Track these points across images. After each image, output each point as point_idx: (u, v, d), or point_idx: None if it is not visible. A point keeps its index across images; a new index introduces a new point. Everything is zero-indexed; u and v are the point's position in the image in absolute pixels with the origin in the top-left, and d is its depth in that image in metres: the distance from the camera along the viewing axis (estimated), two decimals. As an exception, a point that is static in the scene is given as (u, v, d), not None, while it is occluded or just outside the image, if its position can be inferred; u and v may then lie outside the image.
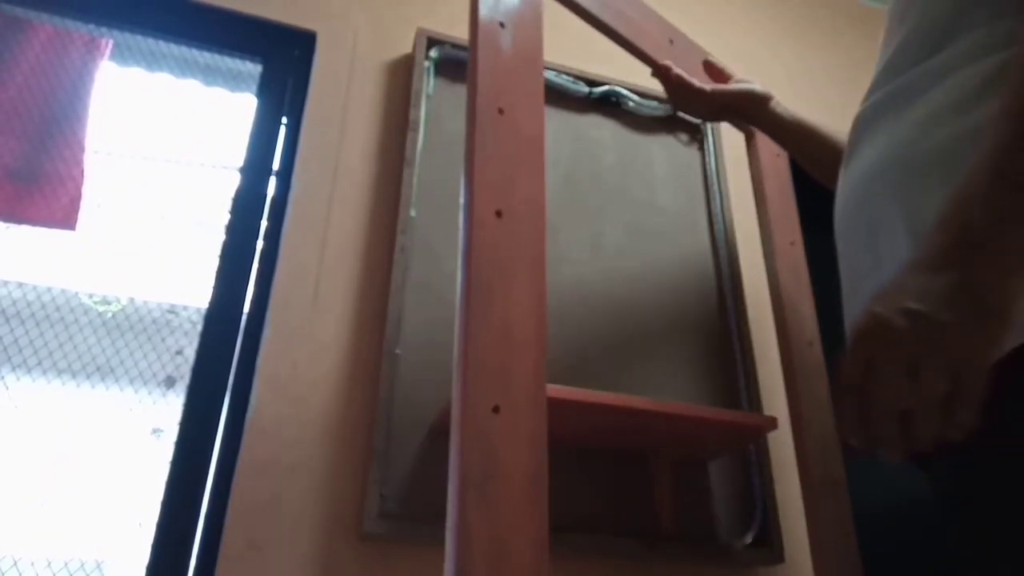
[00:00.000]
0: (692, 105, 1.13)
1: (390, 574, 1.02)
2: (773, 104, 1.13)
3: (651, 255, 1.38)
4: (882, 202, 0.71)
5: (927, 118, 0.69)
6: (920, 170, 0.67)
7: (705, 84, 1.11)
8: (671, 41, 1.18)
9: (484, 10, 0.88)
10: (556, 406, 0.98)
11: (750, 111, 1.13)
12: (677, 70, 1.10)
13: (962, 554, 0.62)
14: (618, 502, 1.15)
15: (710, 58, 1.19)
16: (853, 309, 0.76)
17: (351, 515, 1.03)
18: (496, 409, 0.71)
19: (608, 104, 1.51)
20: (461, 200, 0.78)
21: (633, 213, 1.41)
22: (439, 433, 1.09)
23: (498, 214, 0.79)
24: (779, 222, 1.30)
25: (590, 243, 1.34)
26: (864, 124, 0.80)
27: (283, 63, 1.38)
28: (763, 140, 1.33)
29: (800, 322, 1.21)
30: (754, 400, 1.30)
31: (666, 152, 1.51)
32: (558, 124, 1.44)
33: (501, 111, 0.85)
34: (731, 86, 1.13)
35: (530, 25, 0.91)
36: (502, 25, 0.89)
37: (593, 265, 1.32)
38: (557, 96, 1.47)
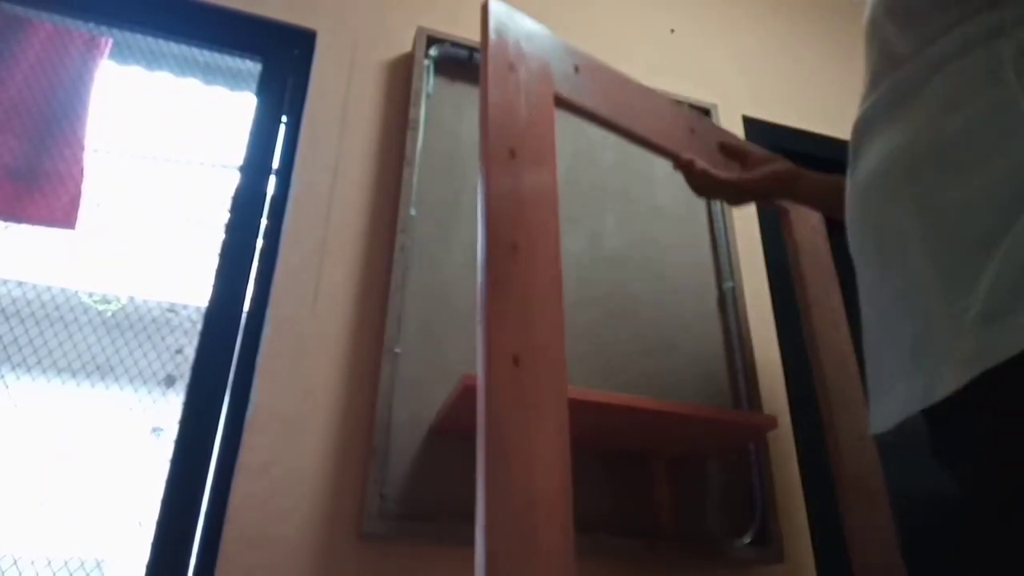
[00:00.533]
0: (719, 194, 1.07)
1: (390, 573, 1.02)
2: (804, 180, 1.05)
3: (651, 255, 1.38)
4: (886, 208, 0.71)
5: (924, 118, 0.69)
6: (922, 171, 0.67)
7: (731, 174, 1.04)
8: (692, 131, 1.10)
9: (493, 140, 0.85)
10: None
11: (780, 191, 1.07)
12: (701, 164, 1.03)
13: (990, 553, 0.62)
14: (618, 502, 1.15)
15: (725, 139, 1.12)
16: (870, 320, 0.76)
17: (351, 514, 1.03)
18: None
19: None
20: (479, 341, 0.72)
21: (633, 212, 1.41)
22: (439, 433, 1.09)
23: (515, 361, 0.74)
24: (820, 304, 1.18)
25: (590, 243, 1.34)
26: (864, 128, 0.80)
27: (283, 62, 1.38)
28: (798, 216, 1.23)
29: (852, 418, 1.12)
30: (754, 400, 1.30)
31: (666, 151, 1.51)
32: (558, 123, 1.44)
33: (515, 246, 0.81)
34: (756, 172, 1.05)
35: (545, 158, 0.89)
36: (512, 154, 0.86)
37: (593, 264, 1.32)
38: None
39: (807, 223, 1.24)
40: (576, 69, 0.99)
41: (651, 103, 1.06)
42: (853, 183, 0.79)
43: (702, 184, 1.05)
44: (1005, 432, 0.60)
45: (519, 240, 0.81)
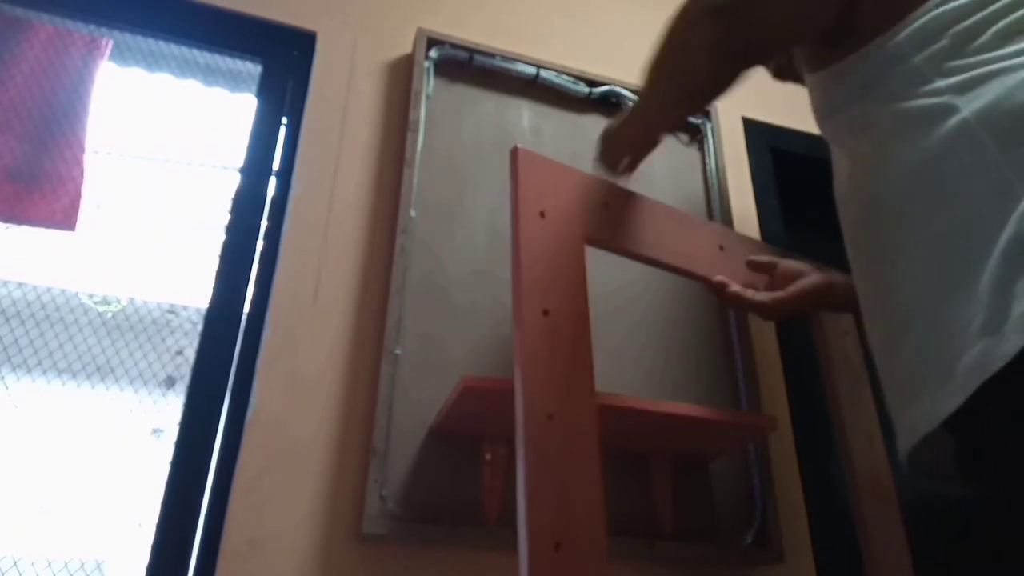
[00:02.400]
0: (758, 314, 1.05)
1: (390, 574, 1.02)
2: (836, 288, 1.04)
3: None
4: (872, 231, 0.78)
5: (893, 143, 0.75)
6: (909, 195, 0.73)
7: (763, 296, 1.03)
8: (721, 248, 1.08)
9: (526, 299, 0.83)
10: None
11: (815, 306, 1.07)
12: (733, 288, 1.02)
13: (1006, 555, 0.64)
14: (618, 502, 1.15)
15: (753, 257, 1.10)
16: (873, 346, 0.80)
17: (351, 515, 1.03)
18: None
19: (608, 104, 1.50)
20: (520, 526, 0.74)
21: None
22: (439, 434, 1.09)
23: (557, 547, 0.77)
24: (852, 416, 1.12)
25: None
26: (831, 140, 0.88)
27: (283, 63, 1.38)
28: (828, 322, 1.18)
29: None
30: (754, 400, 1.30)
31: (666, 152, 1.51)
32: (558, 124, 1.44)
33: (551, 417, 0.80)
34: (789, 292, 1.03)
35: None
36: (546, 313, 0.84)
37: (592, 264, 1.32)
38: (557, 96, 1.47)
39: (838, 328, 1.19)
40: (606, 205, 0.98)
41: (681, 225, 1.06)
42: (846, 219, 0.84)
43: (735, 306, 1.06)
44: (1008, 437, 0.62)
45: (555, 408, 0.79)
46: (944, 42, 0.70)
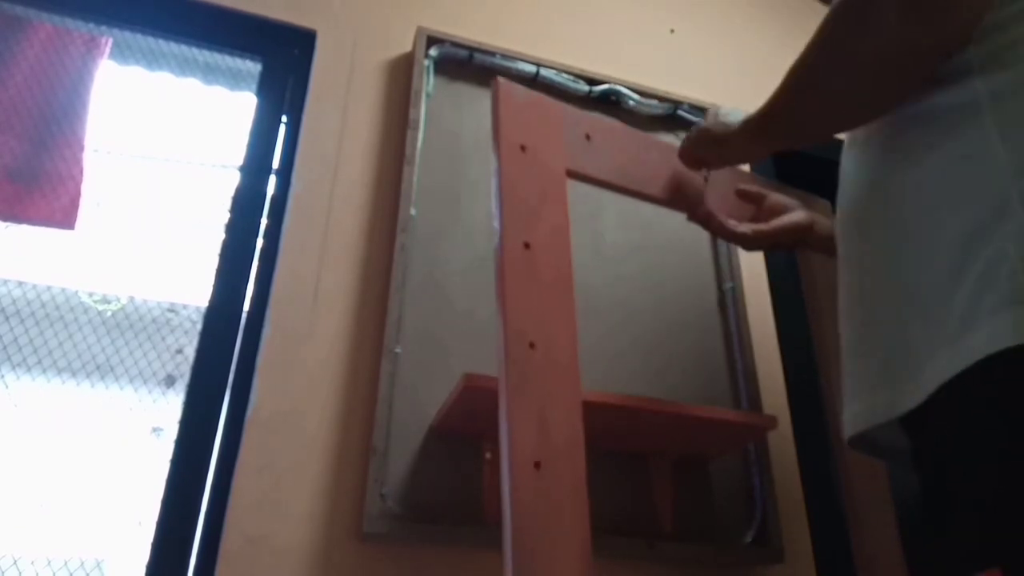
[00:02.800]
0: (739, 244, 1.06)
1: (390, 573, 1.02)
2: (818, 228, 1.04)
3: (651, 255, 1.38)
4: (864, 233, 0.77)
5: (897, 156, 0.74)
6: (897, 204, 0.73)
7: (745, 226, 1.03)
8: (705, 178, 1.08)
9: (508, 233, 0.83)
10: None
11: (795, 243, 1.07)
12: (716, 219, 1.02)
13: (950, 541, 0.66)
14: (618, 502, 1.15)
15: (742, 185, 1.10)
16: (845, 332, 0.81)
17: (351, 514, 1.03)
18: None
19: (608, 103, 1.50)
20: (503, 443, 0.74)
21: (633, 213, 1.41)
22: (439, 433, 1.09)
23: (537, 466, 0.75)
24: (836, 342, 1.15)
25: (590, 243, 1.34)
26: (846, 150, 0.84)
27: (283, 62, 1.38)
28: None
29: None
30: (754, 400, 1.30)
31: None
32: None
33: (532, 345, 0.79)
34: (772, 225, 1.04)
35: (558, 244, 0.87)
36: (527, 246, 0.84)
37: (593, 265, 1.32)
38: (557, 95, 1.46)
39: (821, 256, 1.18)
40: (588, 137, 0.98)
41: (664, 157, 1.05)
42: (838, 201, 0.83)
43: (719, 235, 1.06)
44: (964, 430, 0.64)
45: (536, 337, 0.80)
46: (1005, 38, 0.66)
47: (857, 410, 0.77)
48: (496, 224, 0.83)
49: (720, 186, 1.09)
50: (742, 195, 1.09)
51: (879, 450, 0.81)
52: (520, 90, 0.92)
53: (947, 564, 0.64)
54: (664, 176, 1.04)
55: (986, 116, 0.65)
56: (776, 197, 1.08)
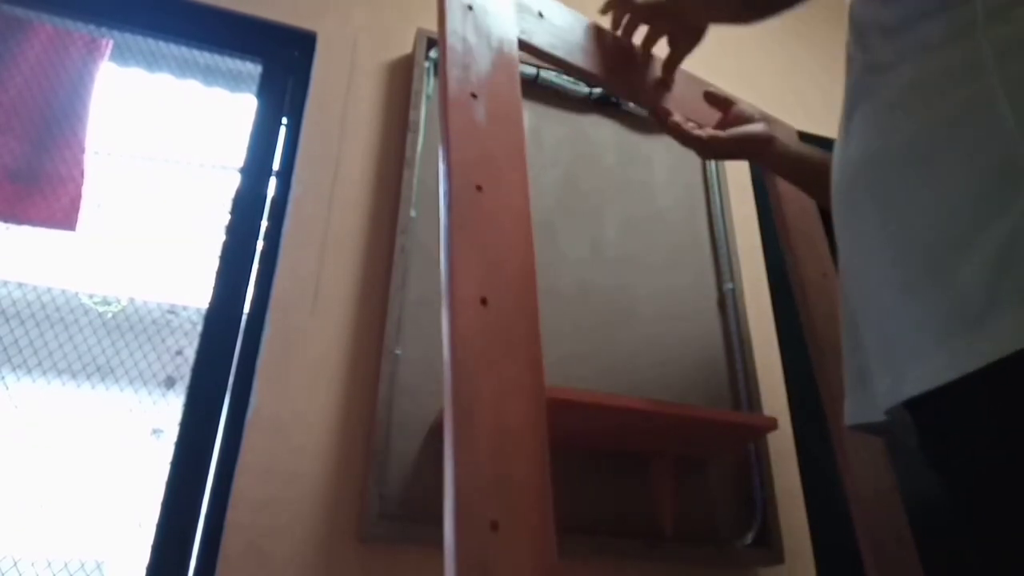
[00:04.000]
0: (694, 148, 1.05)
1: (390, 574, 1.02)
2: (776, 144, 1.04)
3: (651, 255, 1.38)
4: (861, 203, 0.72)
5: (895, 106, 0.69)
6: (895, 169, 0.67)
7: (703, 131, 1.03)
8: (666, 82, 1.10)
9: (454, 83, 0.82)
10: (556, 407, 0.98)
11: (750, 155, 1.07)
12: (676, 118, 1.02)
13: (975, 555, 0.63)
14: (619, 502, 1.15)
15: (711, 88, 1.10)
16: (846, 316, 0.78)
17: (351, 515, 1.03)
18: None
19: (608, 104, 1.51)
20: (443, 286, 0.70)
21: (633, 213, 1.41)
22: (439, 433, 1.09)
23: (483, 301, 0.71)
24: (806, 252, 1.14)
25: (590, 243, 1.34)
26: (851, 96, 0.78)
27: (283, 63, 1.38)
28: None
29: (839, 362, 1.13)
30: (754, 400, 1.30)
31: (666, 152, 1.51)
32: (558, 124, 1.44)
33: (479, 188, 0.78)
34: (730, 133, 1.04)
35: (507, 94, 0.85)
36: (474, 96, 0.82)
37: (593, 265, 1.32)
38: (557, 96, 1.47)
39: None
40: (540, 14, 0.98)
41: (625, 50, 1.06)
42: (841, 155, 0.78)
43: (674, 136, 1.04)
44: (973, 435, 0.61)
45: (483, 182, 0.77)
46: None
47: (859, 397, 0.74)
48: (443, 76, 0.81)
49: (687, 90, 1.08)
50: (710, 98, 1.09)
51: (879, 431, 0.79)
52: None
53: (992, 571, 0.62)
54: (624, 70, 1.05)
55: (992, 75, 0.61)
56: (743, 106, 1.07)
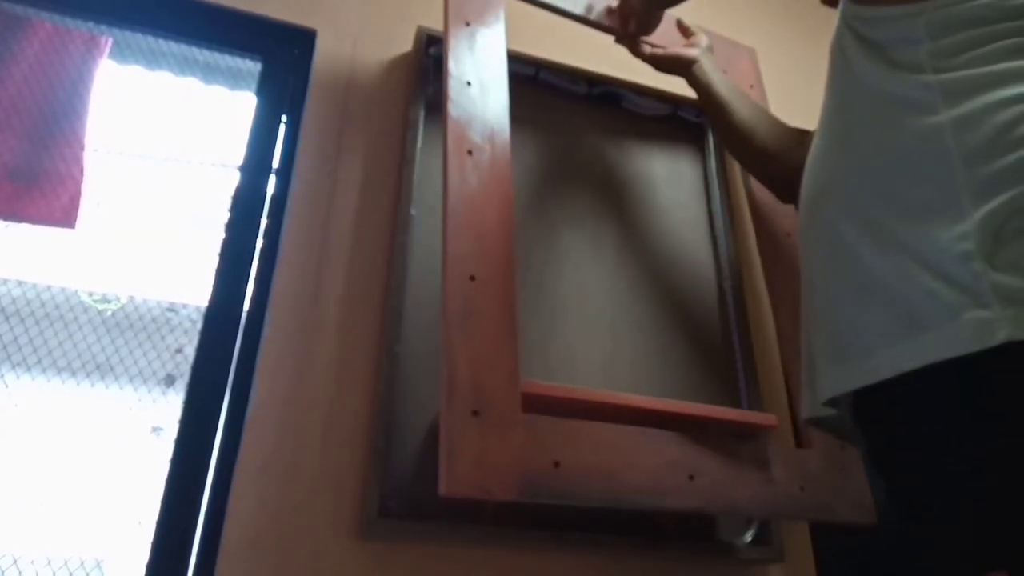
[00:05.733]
0: (645, 61, 1.29)
1: (390, 573, 1.02)
2: (695, 68, 1.24)
3: (651, 255, 1.38)
4: (824, 217, 0.79)
5: (860, 129, 0.77)
6: (856, 187, 0.75)
7: (647, 47, 1.28)
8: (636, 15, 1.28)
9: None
10: (556, 405, 0.98)
11: (678, 72, 1.27)
12: (639, 40, 1.28)
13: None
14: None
15: (684, 20, 1.33)
16: (805, 316, 0.85)
17: (351, 514, 1.03)
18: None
19: (608, 103, 1.50)
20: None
21: (633, 213, 1.41)
22: (439, 433, 1.09)
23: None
24: (768, 211, 1.32)
25: (590, 243, 1.34)
26: (829, 113, 0.86)
27: (283, 61, 1.38)
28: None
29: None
30: (754, 400, 1.30)
31: (666, 152, 1.51)
32: (557, 122, 1.44)
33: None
34: (667, 51, 1.27)
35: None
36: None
37: (593, 265, 1.32)
38: (556, 94, 1.46)
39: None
40: None
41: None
42: (804, 183, 0.86)
43: (633, 52, 1.30)
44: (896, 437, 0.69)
45: (473, 80, 1.12)
46: (953, 39, 0.70)
47: (811, 392, 0.80)
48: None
49: (667, 22, 1.30)
50: (679, 26, 1.34)
51: (834, 428, 0.85)
52: None
53: (941, 564, 0.64)
54: (592, 4, 1.30)
55: (940, 113, 0.68)
56: (697, 37, 1.30)
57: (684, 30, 1.33)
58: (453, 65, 1.13)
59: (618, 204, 1.40)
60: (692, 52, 1.25)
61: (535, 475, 0.89)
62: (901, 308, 0.66)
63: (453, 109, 1.09)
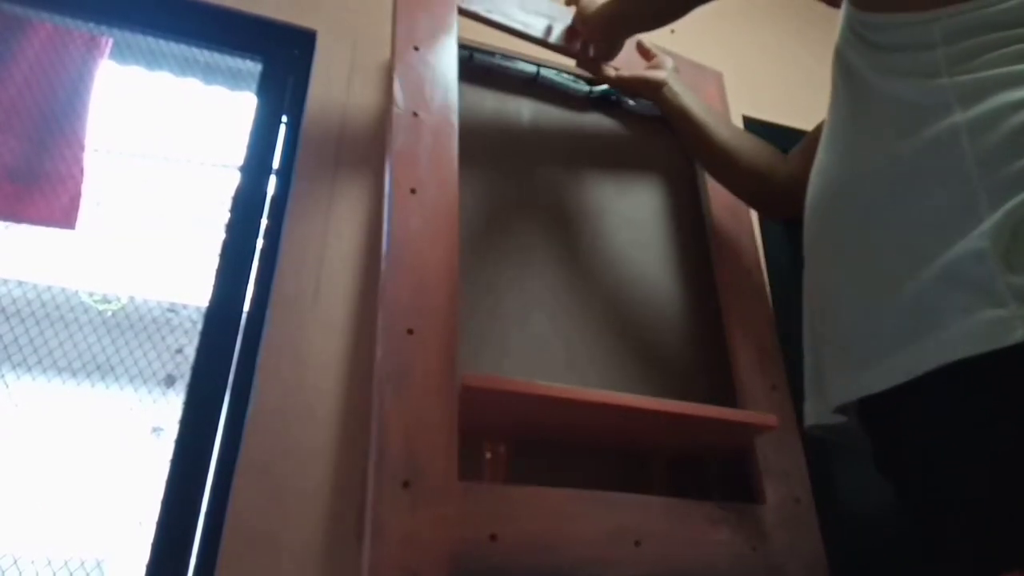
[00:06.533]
0: (609, 84, 1.32)
1: (390, 573, 1.02)
2: (665, 90, 1.23)
3: (649, 255, 1.38)
4: (835, 219, 0.80)
5: (873, 136, 0.77)
6: (867, 191, 0.75)
7: (611, 69, 1.28)
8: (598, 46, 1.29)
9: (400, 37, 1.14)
10: (554, 405, 0.98)
11: (646, 95, 1.27)
12: (601, 64, 1.28)
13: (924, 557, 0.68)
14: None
15: (645, 43, 1.33)
16: (807, 319, 0.85)
17: (352, 514, 1.03)
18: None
19: (608, 103, 1.50)
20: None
21: (632, 213, 1.41)
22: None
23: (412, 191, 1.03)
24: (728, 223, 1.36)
25: (589, 243, 1.34)
26: (835, 118, 0.86)
27: (283, 62, 1.38)
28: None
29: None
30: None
31: (666, 151, 1.51)
32: (558, 122, 1.44)
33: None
34: (629, 74, 1.26)
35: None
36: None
37: (592, 265, 1.32)
38: (556, 95, 1.46)
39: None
40: None
41: (551, 8, 1.31)
42: (814, 188, 0.86)
43: (596, 75, 1.31)
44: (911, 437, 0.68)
45: (420, 111, 1.10)
46: (968, 44, 0.70)
47: (816, 399, 0.80)
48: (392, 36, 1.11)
49: (629, 46, 1.30)
50: (639, 48, 1.33)
51: (835, 435, 0.85)
52: None
53: (956, 565, 0.64)
54: (552, 26, 1.30)
55: (956, 116, 0.68)
56: (661, 58, 1.30)
57: (645, 52, 1.32)
58: (399, 93, 1.06)
59: (618, 203, 1.40)
60: (660, 74, 1.24)
61: (469, 550, 0.84)
62: (916, 310, 0.65)
63: (396, 143, 1.01)
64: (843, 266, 0.75)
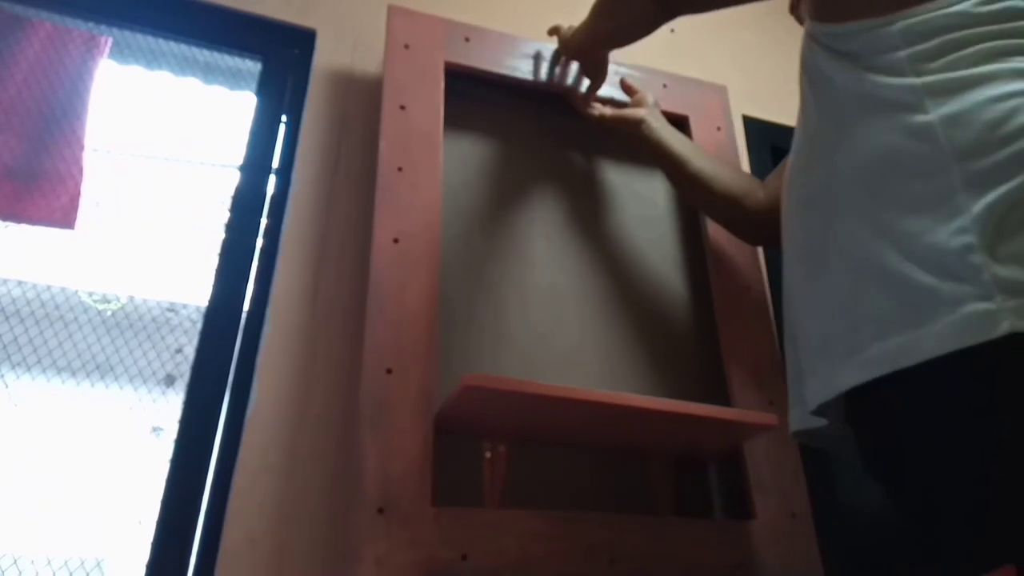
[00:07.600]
0: (591, 121, 1.34)
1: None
2: (643, 127, 1.26)
3: (649, 254, 1.38)
4: (810, 220, 0.80)
5: (847, 133, 0.78)
6: (846, 189, 0.76)
7: (596, 108, 1.33)
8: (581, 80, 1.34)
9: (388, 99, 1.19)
10: (552, 405, 0.98)
11: (626, 131, 1.30)
12: (589, 103, 1.34)
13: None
14: (617, 502, 1.15)
15: (627, 79, 1.38)
16: (789, 322, 0.86)
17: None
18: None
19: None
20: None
21: (631, 213, 1.41)
22: (438, 433, 1.09)
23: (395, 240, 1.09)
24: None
25: (588, 243, 1.34)
26: (807, 117, 0.86)
27: (283, 61, 1.38)
28: (696, 126, 1.44)
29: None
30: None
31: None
32: (558, 122, 1.44)
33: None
34: (611, 112, 1.30)
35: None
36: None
37: (591, 264, 1.32)
38: (557, 94, 1.46)
39: (710, 124, 1.47)
40: (467, 39, 1.28)
41: (544, 57, 1.36)
42: (790, 186, 0.86)
43: (581, 113, 1.34)
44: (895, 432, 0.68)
45: (405, 165, 1.13)
46: (931, 44, 0.71)
47: (800, 405, 0.80)
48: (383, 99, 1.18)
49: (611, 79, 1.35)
50: (623, 85, 1.37)
51: (821, 441, 0.86)
52: (411, 12, 1.26)
53: (946, 562, 0.64)
54: (540, 64, 1.35)
55: (929, 112, 0.69)
56: (643, 94, 1.33)
57: (628, 88, 1.36)
58: (385, 149, 1.14)
59: (616, 203, 1.40)
60: (639, 112, 1.27)
61: (441, 569, 0.87)
62: (898, 303, 0.65)
63: (379, 196, 1.10)
64: (821, 262, 0.76)
